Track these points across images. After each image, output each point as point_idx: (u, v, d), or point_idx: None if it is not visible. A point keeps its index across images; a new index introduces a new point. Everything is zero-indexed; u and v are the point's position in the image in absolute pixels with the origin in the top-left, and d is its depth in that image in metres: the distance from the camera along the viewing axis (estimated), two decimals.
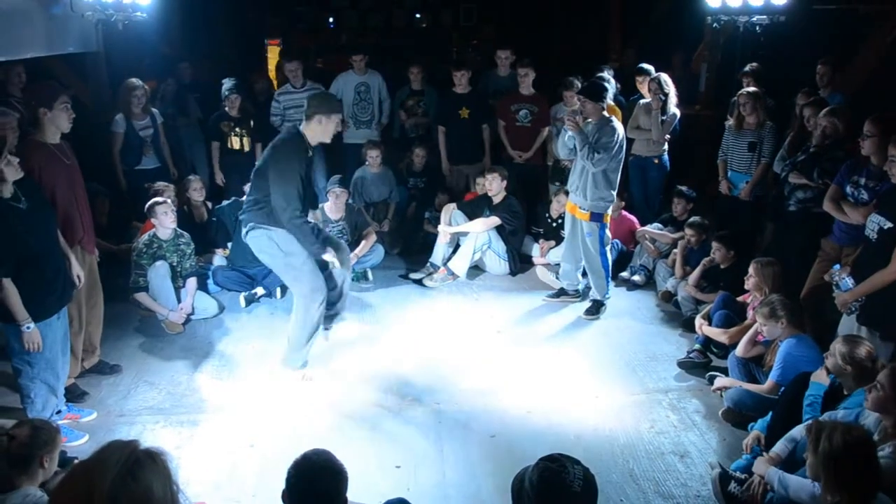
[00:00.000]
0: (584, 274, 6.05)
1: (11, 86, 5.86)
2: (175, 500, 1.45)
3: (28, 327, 3.73)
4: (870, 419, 3.26)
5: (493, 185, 6.73)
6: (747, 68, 6.79)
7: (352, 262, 6.48)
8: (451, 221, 6.79)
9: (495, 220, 6.69)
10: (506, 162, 7.39)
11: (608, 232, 5.90)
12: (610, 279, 5.98)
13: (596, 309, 5.90)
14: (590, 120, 5.63)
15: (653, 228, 6.68)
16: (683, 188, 6.78)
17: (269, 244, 4.60)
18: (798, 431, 3.42)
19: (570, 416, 4.45)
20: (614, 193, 5.76)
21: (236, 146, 7.39)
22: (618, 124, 5.62)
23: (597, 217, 5.71)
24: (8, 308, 3.68)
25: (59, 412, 4.13)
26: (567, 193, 6.93)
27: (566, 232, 6.10)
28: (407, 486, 3.71)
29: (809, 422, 3.41)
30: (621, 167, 5.74)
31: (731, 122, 6.35)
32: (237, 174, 7.05)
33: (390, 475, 3.82)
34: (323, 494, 2.41)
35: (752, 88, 6.05)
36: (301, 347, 4.79)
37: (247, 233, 4.67)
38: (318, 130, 4.54)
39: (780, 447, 3.47)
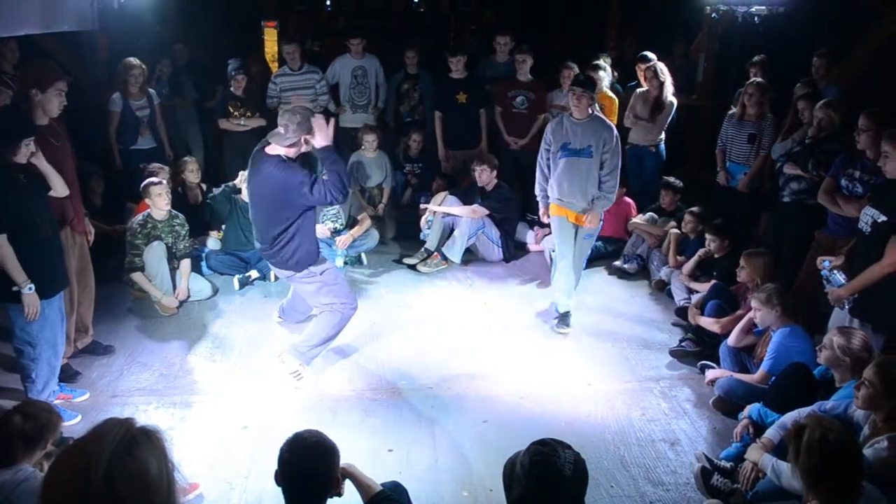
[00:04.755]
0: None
1: (4, 62, 5.81)
2: (171, 477, 1.46)
3: (29, 288, 3.71)
4: (859, 411, 3.29)
5: (483, 177, 6.70)
6: (756, 58, 6.72)
7: (348, 241, 6.50)
8: (440, 206, 6.77)
9: (483, 211, 6.65)
10: (502, 148, 7.39)
11: None
12: None
13: (567, 319, 5.47)
14: (577, 117, 5.17)
15: (644, 218, 6.68)
16: (671, 179, 6.78)
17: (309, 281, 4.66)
18: (790, 418, 3.45)
19: (562, 402, 4.47)
20: None
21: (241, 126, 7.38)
22: (609, 121, 5.42)
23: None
24: (5, 270, 3.66)
25: (52, 392, 4.14)
26: None
27: (560, 242, 5.46)
28: (399, 469, 3.73)
29: (796, 413, 3.45)
30: None
31: (733, 111, 6.37)
32: (240, 154, 7.05)
33: (383, 459, 3.84)
34: (315, 471, 2.43)
35: (759, 79, 6.02)
36: (315, 347, 4.71)
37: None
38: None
39: (772, 433, 3.50)
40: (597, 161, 5.16)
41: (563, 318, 5.45)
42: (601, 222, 5.43)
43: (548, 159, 5.37)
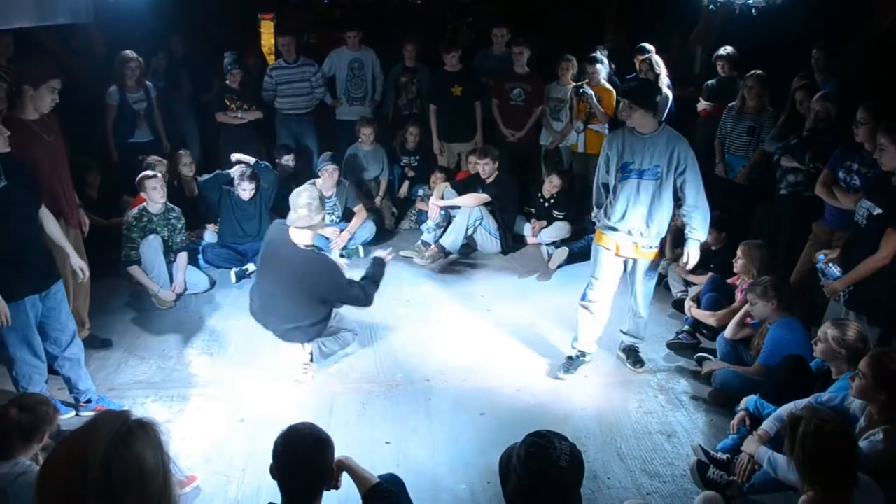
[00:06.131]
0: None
1: None
2: (167, 469, 1.45)
3: None
4: (855, 403, 3.30)
5: (486, 169, 6.70)
6: (722, 51, 6.75)
7: (345, 239, 6.50)
8: (443, 198, 6.77)
9: (485, 196, 6.65)
10: (498, 140, 7.37)
11: None
12: None
13: (638, 356, 4.87)
14: (641, 131, 4.30)
15: None
16: None
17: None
18: (786, 410, 3.45)
19: (559, 394, 4.49)
20: None
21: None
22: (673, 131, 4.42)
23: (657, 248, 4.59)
24: None
25: (88, 401, 4.13)
26: (560, 174, 6.95)
27: (599, 279, 4.61)
28: (397, 462, 3.74)
29: (792, 405, 3.46)
30: None
31: (702, 105, 6.60)
32: (236, 147, 7.04)
33: (380, 451, 3.85)
34: (309, 463, 2.44)
35: (759, 72, 6.01)
36: (337, 352, 4.81)
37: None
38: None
39: (768, 426, 3.51)
40: (667, 184, 4.29)
41: (571, 362, 4.74)
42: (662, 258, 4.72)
43: (605, 177, 4.52)
